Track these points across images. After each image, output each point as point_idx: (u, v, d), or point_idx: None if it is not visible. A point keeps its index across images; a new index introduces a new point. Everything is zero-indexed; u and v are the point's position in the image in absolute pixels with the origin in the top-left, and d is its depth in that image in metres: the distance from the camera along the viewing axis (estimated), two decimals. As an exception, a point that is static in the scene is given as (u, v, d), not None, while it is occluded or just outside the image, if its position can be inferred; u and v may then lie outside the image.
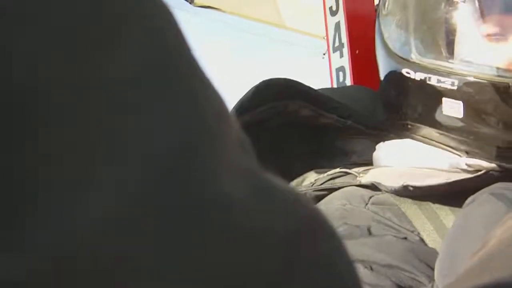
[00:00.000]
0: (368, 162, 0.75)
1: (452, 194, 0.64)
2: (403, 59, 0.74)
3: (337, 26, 1.16)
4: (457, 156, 0.69)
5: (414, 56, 0.73)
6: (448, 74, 0.69)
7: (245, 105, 0.71)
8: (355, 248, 0.57)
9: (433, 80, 0.70)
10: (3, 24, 0.16)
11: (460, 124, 0.69)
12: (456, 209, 0.63)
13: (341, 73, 1.15)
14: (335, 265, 0.22)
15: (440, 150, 0.72)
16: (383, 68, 0.80)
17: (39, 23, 0.16)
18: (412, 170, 0.68)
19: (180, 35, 0.19)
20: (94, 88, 0.17)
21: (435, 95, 0.70)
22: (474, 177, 0.65)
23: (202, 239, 0.18)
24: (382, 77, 0.81)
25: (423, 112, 0.72)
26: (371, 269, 0.54)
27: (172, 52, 0.19)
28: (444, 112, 0.70)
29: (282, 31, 2.33)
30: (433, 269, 0.54)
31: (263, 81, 0.73)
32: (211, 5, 2.12)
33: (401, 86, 0.74)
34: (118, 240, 0.16)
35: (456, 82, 0.68)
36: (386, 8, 0.80)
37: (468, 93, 0.68)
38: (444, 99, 0.70)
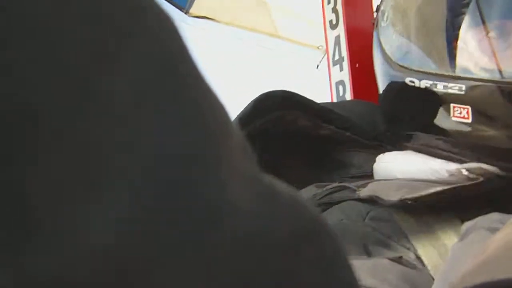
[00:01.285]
0: (367, 175, 0.74)
1: (451, 205, 0.63)
2: (406, 68, 0.74)
3: (337, 39, 1.16)
4: (457, 164, 0.68)
5: (418, 64, 0.73)
6: (454, 79, 0.69)
7: (244, 119, 0.71)
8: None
9: (439, 87, 0.70)
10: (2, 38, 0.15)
11: (468, 129, 0.69)
12: (454, 222, 0.62)
13: (341, 87, 1.15)
14: (335, 270, 0.23)
15: (440, 160, 0.71)
16: (383, 79, 0.80)
17: (42, 39, 0.16)
18: (411, 183, 0.67)
19: (183, 45, 0.20)
20: (97, 102, 0.17)
21: (442, 102, 0.70)
22: (473, 184, 0.64)
23: (207, 246, 0.18)
24: (381, 89, 0.81)
25: (428, 120, 0.72)
26: None
27: (176, 62, 0.19)
28: (452, 118, 0.70)
29: (277, 41, 2.33)
30: None
31: (262, 94, 0.73)
32: (206, 16, 2.12)
33: (404, 96, 0.74)
34: (129, 251, 0.17)
35: (464, 87, 0.68)
36: (385, 20, 0.81)
37: (476, 97, 0.67)
38: (452, 105, 0.70)
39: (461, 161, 0.69)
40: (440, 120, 0.71)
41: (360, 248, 0.60)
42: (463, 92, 0.69)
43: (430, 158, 0.72)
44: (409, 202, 0.62)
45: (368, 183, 0.70)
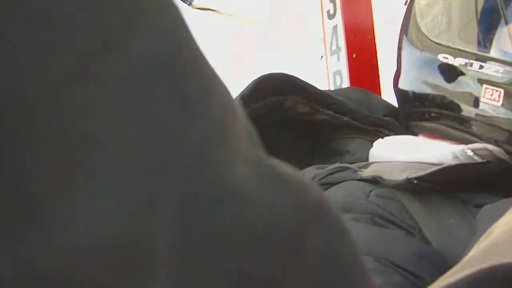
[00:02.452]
0: (361, 161, 0.74)
1: (453, 187, 0.63)
2: (442, 45, 0.73)
3: (335, 29, 1.16)
4: (463, 145, 0.68)
5: (455, 43, 0.72)
6: (491, 60, 0.69)
7: (244, 99, 0.71)
8: (361, 234, 0.56)
9: (475, 66, 0.70)
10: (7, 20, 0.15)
11: (494, 112, 0.68)
12: (456, 203, 0.63)
13: (338, 77, 1.15)
14: (343, 253, 0.23)
15: (445, 142, 0.71)
16: (411, 57, 0.78)
17: (49, 21, 0.16)
18: (414, 164, 0.68)
19: (187, 31, 0.20)
20: (105, 87, 0.17)
21: (474, 81, 0.69)
22: (477, 163, 0.65)
23: (217, 230, 0.18)
24: (406, 68, 0.79)
25: (456, 98, 0.71)
26: (381, 263, 0.54)
27: (181, 48, 0.19)
28: (482, 99, 0.69)
29: (279, 34, 2.33)
30: (436, 270, 0.53)
31: (262, 76, 0.73)
32: (209, 7, 2.12)
33: (433, 73, 0.73)
34: (135, 231, 0.16)
35: (501, 70, 0.68)
36: None
37: (510, 81, 0.67)
38: (484, 86, 0.69)
39: (471, 142, 0.69)
40: (468, 100, 0.71)
41: (368, 220, 0.60)
42: (499, 75, 0.68)
43: (434, 141, 0.72)
44: (415, 181, 0.62)
45: (369, 164, 0.71)
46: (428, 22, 0.77)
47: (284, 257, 0.20)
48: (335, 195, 0.65)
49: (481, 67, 0.70)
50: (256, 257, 0.19)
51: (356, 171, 0.69)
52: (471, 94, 0.70)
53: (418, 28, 0.78)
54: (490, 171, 0.65)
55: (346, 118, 0.78)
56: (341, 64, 1.14)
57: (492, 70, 0.68)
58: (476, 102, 0.70)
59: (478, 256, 0.36)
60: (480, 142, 0.68)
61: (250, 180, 0.19)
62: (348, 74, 1.12)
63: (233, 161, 0.19)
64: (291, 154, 0.76)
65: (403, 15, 0.82)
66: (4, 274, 0.15)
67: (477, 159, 0.66)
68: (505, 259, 0.33)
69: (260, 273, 0.19)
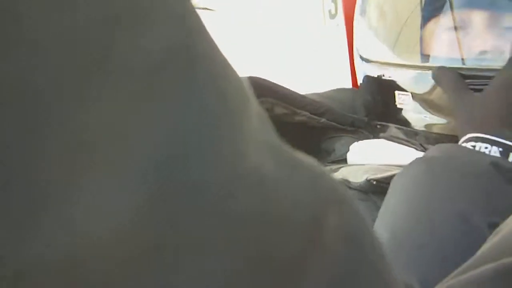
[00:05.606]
0: (344, 159, 0.77)
1: None
2: (366, 59, 0.76)
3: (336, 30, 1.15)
4: (421, 152, 0.72)
5: (375, 55, 0.74)
6: (396, 66, 0.73)
7: None
8: None
9: (387, 75, 0.72)
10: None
11: (413, 116, 0.70)
12: None
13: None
14: (361, 238, 0.23)
15: (407, 148, 0.75)
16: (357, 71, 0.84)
17: (65, 13, 0.16)
18: (378, 167, 0.70)
19: (198, 19, 0.20)
20: (119, 75, 0.17)
21: (391, 90, 0.73)
22: None
23: (237, 214, 0.18)
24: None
25: (385, 110, 0.74)
26: None
27: (194, 36, 0.19)
28: (397, 105, 0.72)
29: (279, 34, 2.32)
30: None
31: None
32: (207, 7, 2.11)
33: (369, 87, 0.76)
34: (153, 221, 0.16)
35: (406, 74, 0.69)
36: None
37: (411, 84, 0.71)
38: (396, 92, 0.71)
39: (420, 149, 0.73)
40: (394, 109, 0.74)
41: None
42: (403, 79, 0.70)
43: (399, 146, 0.74)
44: (375, 183, 0.64)
45: (339, 168, 0.71)
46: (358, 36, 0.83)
47: (306, 240, 0.20)
48: None
49: (390, 76, 0.76)
50: (277, 240, 0.19)
51: None
52: (393, 103, 0.75)
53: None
54: None
55: (323, 119, 0.78)
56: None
57: (397, 76, 0.73)
58: (398, 110, 0.75)
59: (488, 255, 0.36)
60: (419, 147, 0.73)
61: (267, 164, 0.19)
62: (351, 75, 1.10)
63: (249, 145, 0.19)
64: None
65: None
66: (13, 266, 0.15)
67: None
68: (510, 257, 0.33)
69: (282, 256, 0.19)
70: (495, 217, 0.49)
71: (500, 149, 0.59)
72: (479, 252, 0.37)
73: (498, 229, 0.40)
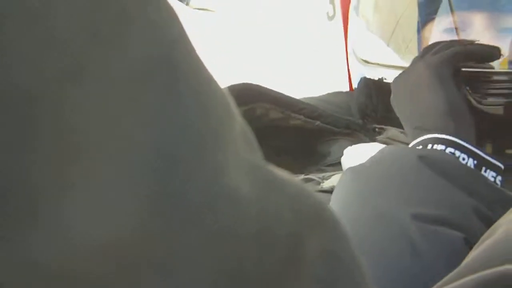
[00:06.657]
0: (339, 162, 0.76)
1: None
2: (364, 61, 0.75)
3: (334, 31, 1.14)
4: None
5: (373, 58, 0.74)
6: (397, 69, 0.72)
7: None
8: None
9: (389, 78, 0.71)
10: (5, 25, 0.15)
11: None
12: None
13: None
14: (341, 256, 0.22)
15: None
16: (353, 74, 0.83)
17: (43, 22, 0.16)
18: None
19: (183, 32, 0.19)
20: (99, 86, 0.16)
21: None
22: None
23: (212, 233, 0.18)
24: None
25: (387, 114, 0.73)
26: None
27: (176, 48, 0.19)
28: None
29: (279, 35, 2.32)
30: None
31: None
32: (207, 8, 2.11)
33: (367, 89, 0.75)
34: (135, 232, 0.16)
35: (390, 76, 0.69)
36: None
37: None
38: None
39: None
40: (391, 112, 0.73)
41: None
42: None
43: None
44: None
45: (332, 175, 0.71)
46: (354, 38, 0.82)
47: (284, 257, 0.20)
48: None
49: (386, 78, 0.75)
50: (252, 259, 0.19)
51: (320, 182, 0.70)
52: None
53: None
54: None
55: (317, 122, 0.78)
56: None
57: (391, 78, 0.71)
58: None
59: (483, 256, 0.36)
60: None
61: (247, 183, 0.19)
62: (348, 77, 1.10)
63: (229, 165, 0.19)
64: (282, 162, 0.77)
65: None
66: (6, 273, 0.15)
67: None
68: (505, 259, 0.33)
69: (259, 272, 0.19)
70: (420, 208, 0.49)
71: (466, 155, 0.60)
72: (463, 263, 0.37)
73: (492, 229, 0.40)
